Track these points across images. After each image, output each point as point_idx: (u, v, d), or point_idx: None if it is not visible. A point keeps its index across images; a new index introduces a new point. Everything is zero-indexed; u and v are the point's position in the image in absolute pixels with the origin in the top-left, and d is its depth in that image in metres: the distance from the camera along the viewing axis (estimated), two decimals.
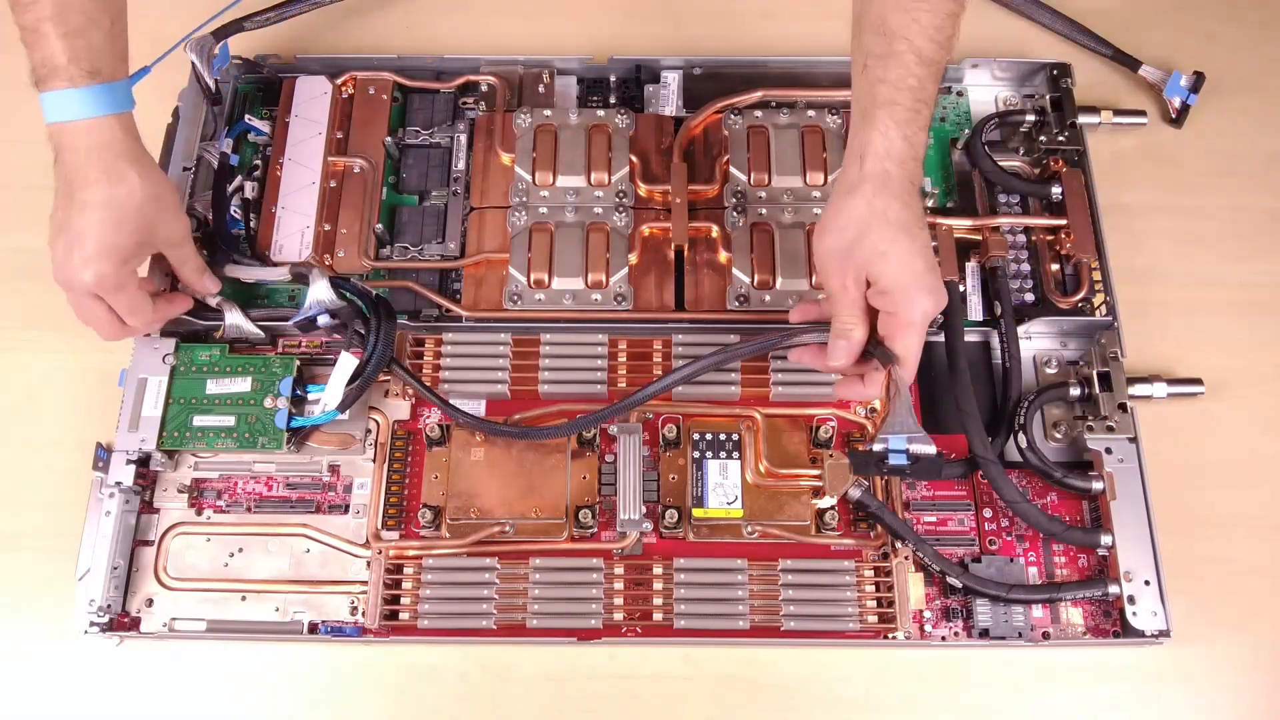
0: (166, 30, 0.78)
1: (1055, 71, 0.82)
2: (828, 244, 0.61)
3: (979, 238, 0.76)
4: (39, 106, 0.63)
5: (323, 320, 0.70)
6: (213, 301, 0.72)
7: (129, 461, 0.69)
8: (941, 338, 0.73)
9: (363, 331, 0.69)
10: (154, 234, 0.65)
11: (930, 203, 0.79)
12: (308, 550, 0.70)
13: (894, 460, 0.61)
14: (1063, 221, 0.76)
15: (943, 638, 0.68)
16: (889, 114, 0.60)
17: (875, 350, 0.62)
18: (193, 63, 0.77)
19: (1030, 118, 0.81)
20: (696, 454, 0.70)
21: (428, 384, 0.72)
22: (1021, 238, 0.78)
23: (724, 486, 0.69)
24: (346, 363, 0.68)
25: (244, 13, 0.83)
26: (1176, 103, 0.83)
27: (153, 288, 0.71)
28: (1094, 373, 0.71)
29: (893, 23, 0.60)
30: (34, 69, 0.62)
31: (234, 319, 0.72)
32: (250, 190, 0.78)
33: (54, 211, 0.64)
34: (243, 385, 0.71)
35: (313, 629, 0.68)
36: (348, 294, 0.71)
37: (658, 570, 0.68)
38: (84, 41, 0.61)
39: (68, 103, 0.61)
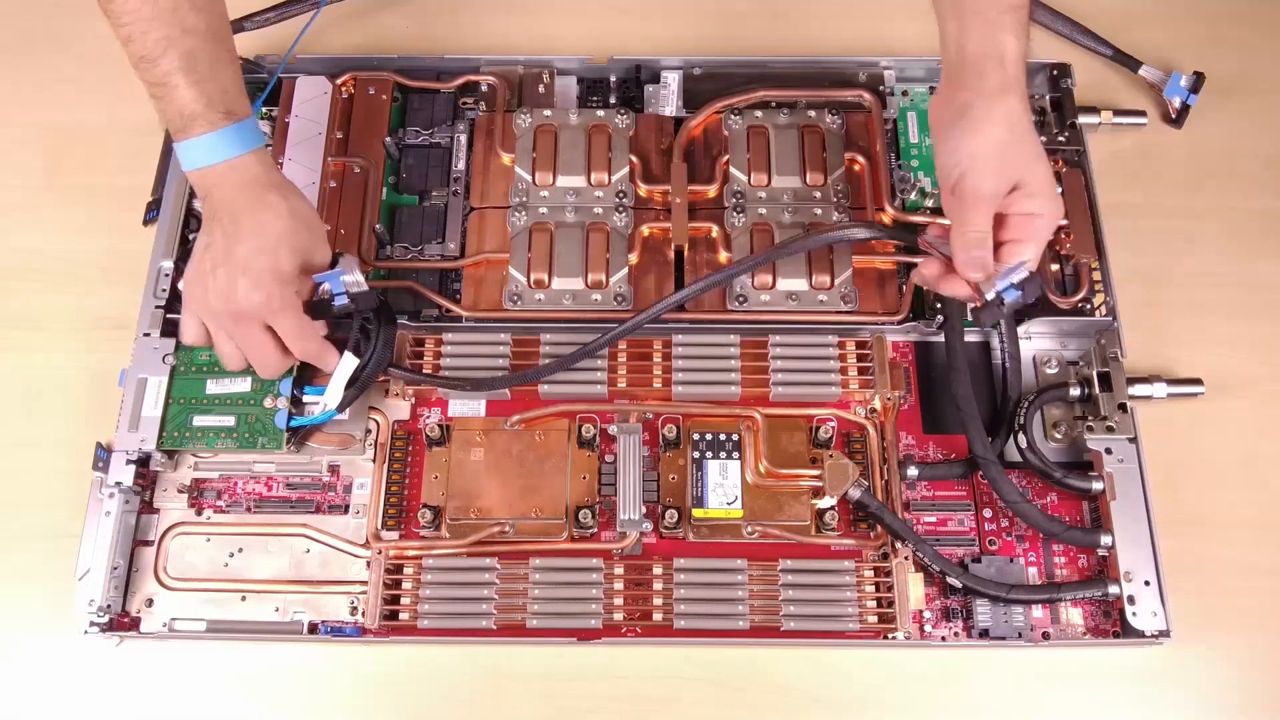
0: None
1: (1055, 71, 0.82)
2: (978, 146, 0.60)
3: None
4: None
5: (339, 302, 0.67)
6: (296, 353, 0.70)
7: (129, 461, 0.69)
8: (941, 338, 0.73)
9: (370, 328, 0.69)
10: (310, 256, 0.65)
11: (930, 203, 0.79)
12: (308, 550, 0.70)
13: (1009, 296, 0.61)
14: (1063, 222, 0.76)
15: (943, 638, 0.68)
16: (1016, 18, 0.60)
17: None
18: None
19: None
20: (696, 454, 0.70)
21: (427, 385, 0.72)
22: None
23: (724, 486, 0.69)
24: (348, 363, 0.68)
25: (244, 12, 0.83)
26: (1176, 103, 0.83)
27: None
28: (1094, 373, 0.71)
29: None
30: (169, 120, 0.63)
31: (349, 274, 0.68)
32: None
33: (206, 247, 0.64)
34: (243, 385, 0.71)
35: (313, 629, 0.68)
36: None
37: (658, 570, 0.68)
38: (215, 85, 0.62)
39: (213, 146, 0.62)
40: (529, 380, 0.71)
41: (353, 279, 0.66)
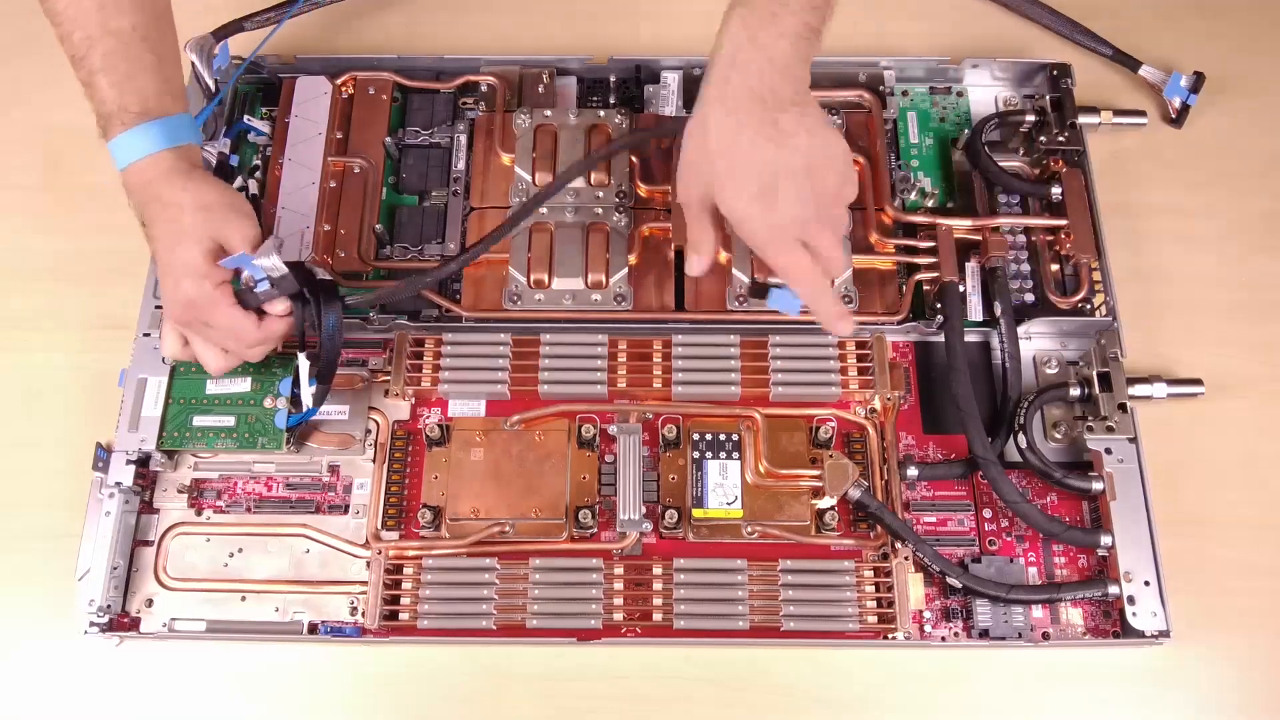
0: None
1: (1055, 72, 0.82)
2: (682, 157, 0.61)
3: (979, 238, 0.76)
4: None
5: (262, 288, 0.65)
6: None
7: (129, 461, 0.69)
8: (942, 338, 0.73)
9: (307, 299, 0.67)
10: (228, 243, 0.64)
11: (930, 203, 0.79)
12: (307, 550, 0.70)
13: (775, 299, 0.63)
14: (1063, 222, 0.76)
15: (943, 638, 0.68)
16: (743, 14, 0.58)
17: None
18: (192, 63, 0.77)
19: (1030, 118, 0.81)
20: (696, 454, 0.70)
21: (427, 385, 0.72)
22: (1021, 238, 0.78)
23: (724, 487, 0.69)
24: (304, 365, 0.68)
25: (243, 12, 0.83)
26: (1176, 103, 0.83)
27: None
28: (1094, 373, 0.71)
29: None
30: (97, 122, 0.63)
31: (264, 259, 0.66)
32: (250, 190, 0.78)
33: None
34: (242, 385, 0.71)
35: (312, 629, 0.68)
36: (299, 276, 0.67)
37: (657, 570, 0.68)
38: (132, 86, 0.62)
39: (125, 146, 0.62)
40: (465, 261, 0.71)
41: (268, 263, 0.63)
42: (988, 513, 0.71)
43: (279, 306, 0.65)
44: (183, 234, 0.63)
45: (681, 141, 0.62)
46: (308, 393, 0.68)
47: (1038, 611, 0.68)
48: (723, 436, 0.70)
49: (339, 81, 0.82)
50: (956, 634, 0.68)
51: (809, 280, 0.61)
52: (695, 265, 0.65)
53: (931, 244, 0.75)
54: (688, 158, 0.61)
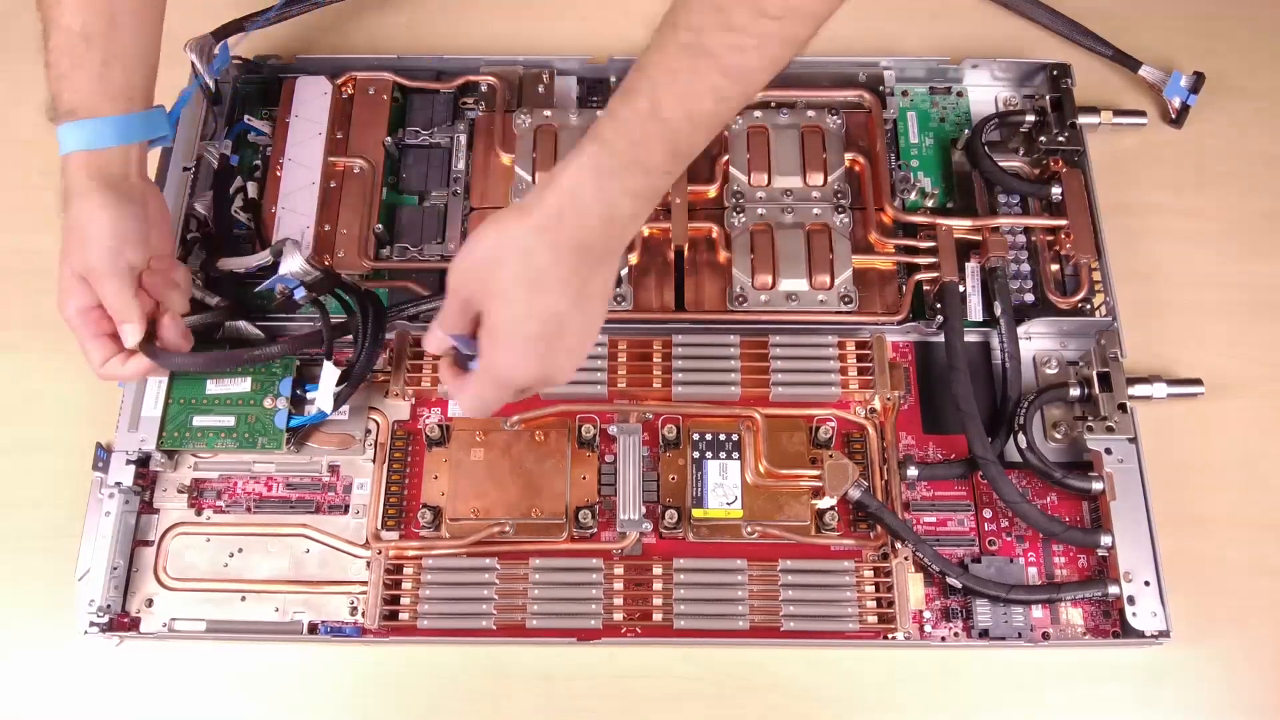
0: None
1: (1055, 72, 0.82)
2: (468, 248, 0.54)
3: (979, 238, 0.76)
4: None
5: (299, 294, 0.68)
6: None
7: (129, 461, 0.69)
8: (942, 338, 0.73)
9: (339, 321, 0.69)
10: (89, 280, 0.63)
11: (930, 203, 0.79)
12: (307, 550, 0.70)
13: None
14: (1063, 222, 0.76)
15: (942, 638, 0.68)
16: (594, 152, 0.52)
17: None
18: (192, 63, 0.78)
19: (1030, 118, 0.81)
20: (696, 454, 0.70)
21: (427, 385, 0.72)
22: (1021, 238, 0.78)
23: (724, 487, 0.69)
24: (329, 372, 0.68)
25: (243, 12, 0.83)
26: (1176, 103, 0.83)
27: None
28: (1094, 373, 0.71)
29: (683, 35, 0.51)
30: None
31: (291, 266, 0.68)
32: (250, 191, 0.78)
33: None
34: (242, 385, 0.71)
35: (312, 629, 0.68)
36: (341, 292, 0.71)
37: (657, 570, 0.68)
38: (68, 82, 0.63)
39: (61, 138, 0.63)
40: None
41: (292, 270, 0.65)
42: (988, 513, 0.71)
43: (129, 368, 0.65)
44: (64, 247, 0.63)
45: (480, 230, 0.54)
46: (329, 395, 0.68)
47: (1038, 611, 0.68)
48: (723, 436, 0.70)
49: (339, 81, 0.82)
50: (956, 634, 0.68)
51: (476, 401, 0.57)
52: (431, 343, 0.58)
53: (931, 244, 0.75)
54: (479, 260, 0.53)
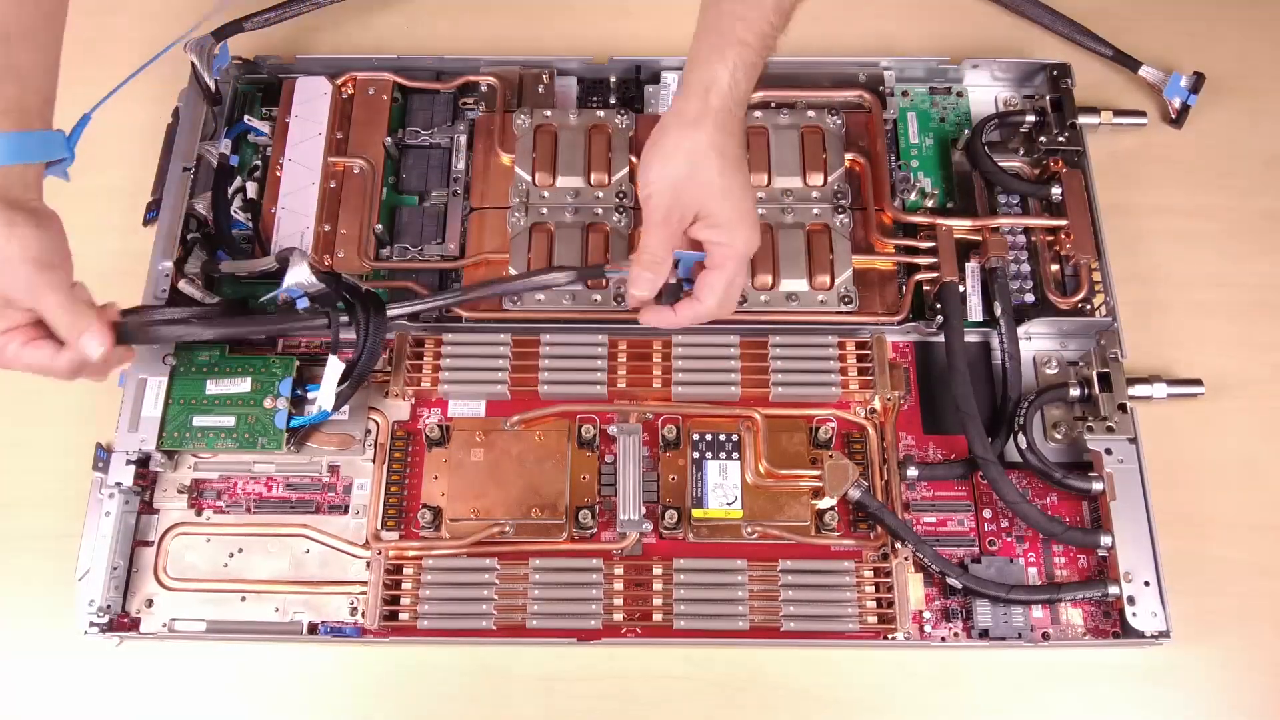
0: (164, 32, 0.78)
1: (1055, 72, 0.82)
2: (661, 172, 0.62)
3: (979, 238, 0.76)
4: None
5: (301, 304, 0.69)
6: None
7: (129, 462, 0.69)
8: (942, 338, 0.73)
9: (345, 319, 0.68)
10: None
11: (930, 203, 0.79)
12: (307, 551, 0.70)
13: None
14: (1063, 222, 0.76)
15: (942, 638, 0.68)
16: (739, 54, 0.61)
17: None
18: (192, 63, 0.78)
19: (1030, 118, 0.81)
20: (696, 454, 0.70)
21: (427, 385, 0.72)
22: (1021, 238, 0.78)
23: (724, 487, 0.69)
24: (334, 366, 0.68)
25: (244, 12, 0.83)
26: (1176, 103, 0.83)
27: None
28: (1094, 373, 0.71)
29: None
30: None
31: (297, 276, 0.68)
32: (250, 191, 0.78)
33: None
34: (242, 386, 0.71)
35: (312, 629, 0.68)
36: (343, 291, 0.70)
37: (657, 571, 0.68)
38: None
39: None
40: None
41: (299, 280, 0.67)
42: (988, 513, 0.71)
43: (92, 345, 0.62)
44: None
45: (664, 154, 0.62)
46: (331, 393, 0.68)
47: (1038, 612, 0.68)
48: (723, 437, 0.70)
49: (339, 82, 0.82)
50: (956, 634, 0.68)
51: (730, 295, 0.65)
52: (642, 282, 0.64)
53: (931, 244, 0.75)
54: (680, 176, 0.62)
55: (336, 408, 0.69)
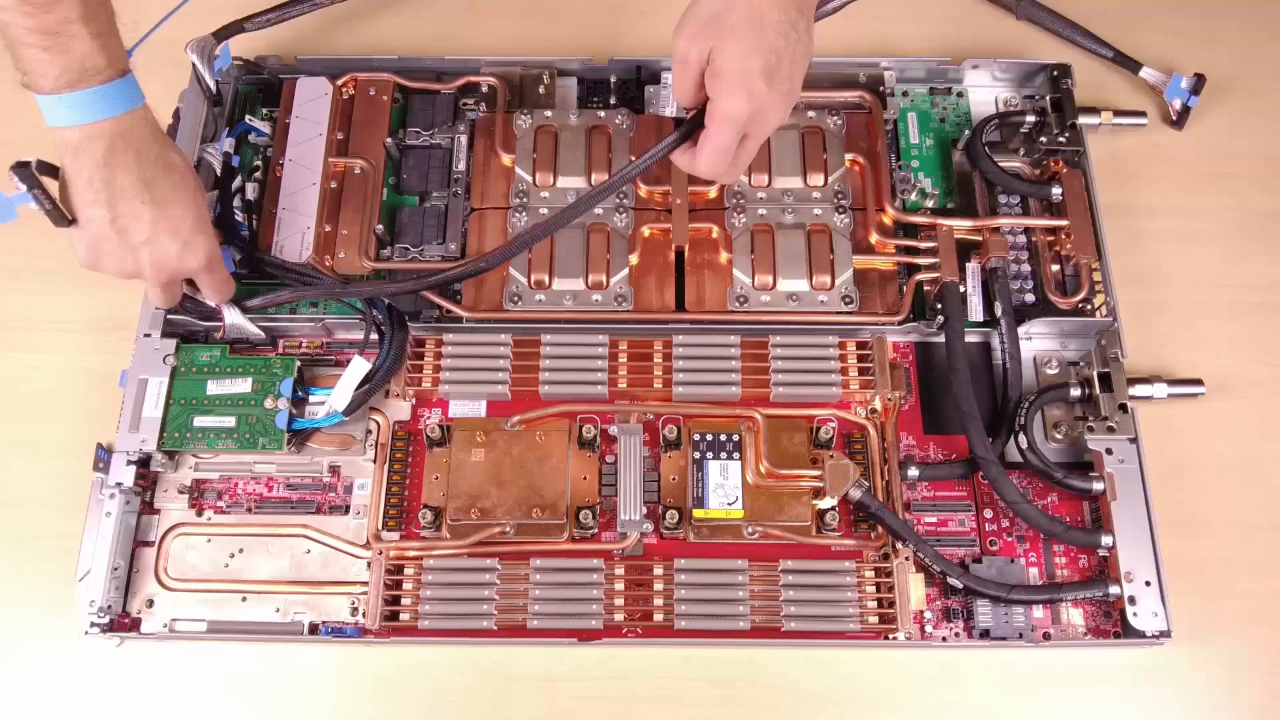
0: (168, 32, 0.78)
1: (1055, 72, 0.82)
2: (697, 9, 0.59)
3: (979, 238, 0.76)
4: (39, 109, 0.62)
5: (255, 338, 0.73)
6: (212, 302, 0.72)
7: (129, 462, 0.69)
8: (942, 338, 0.73)
9: (383, 330, 0.70)
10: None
11: (930, 203, 0.79)
12: (308, 551, 0.70)
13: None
14: (1063, 222, 0.76)
15: (943, 638, 0.68)
16: None
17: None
18: (193, 64, 0.77)
19: (1030, 119, 0.81)
20: (697, 455, 0.70)
21: (428, 385, 0.72)
22: (1022, 238, 0.78)
23: (724, 487, 0.69)
24: (359, 366, 0.68)
25: (244, 13, 0.83)
26: (1177, 105, 0.83)
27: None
28: (1094, 373, 0.71)
29: None
30: (58, 72, 0.60)
31: (233, 319, 0.71)
32: (251, 191, 0.78)
33: (114, 219, 0.63)
34: (243, 386, 0.71)
35: (313, 630, 0.68)
36: (358, 304, 0.72)
37: (658, 571, 0.68)
38: (116, 40, 0.62)
39: (111, 98, 0.61)
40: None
41: (235, 322, 0.72)
42: (988, 513, 0.71)
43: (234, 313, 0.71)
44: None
45: None
46: (348, 394, 0.69)
47: (1038, 612, 0.68)
48: (723, 437, 0.70)
49: (339, 82, 0.82)
50: (957, 634, 0.68)
51: (713, 154, 0.62)
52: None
53: (932, 244, 0.75)
54: (707, 14, 0.59)
55: (350, 411, 0.69)
